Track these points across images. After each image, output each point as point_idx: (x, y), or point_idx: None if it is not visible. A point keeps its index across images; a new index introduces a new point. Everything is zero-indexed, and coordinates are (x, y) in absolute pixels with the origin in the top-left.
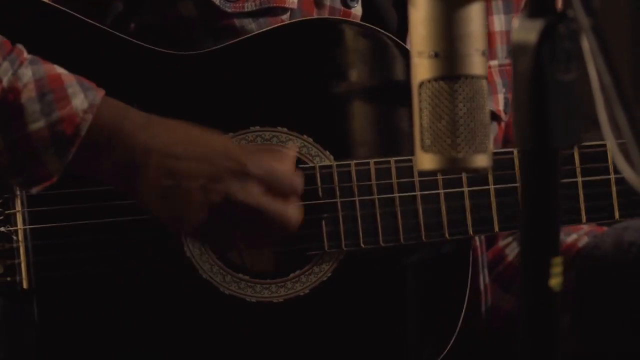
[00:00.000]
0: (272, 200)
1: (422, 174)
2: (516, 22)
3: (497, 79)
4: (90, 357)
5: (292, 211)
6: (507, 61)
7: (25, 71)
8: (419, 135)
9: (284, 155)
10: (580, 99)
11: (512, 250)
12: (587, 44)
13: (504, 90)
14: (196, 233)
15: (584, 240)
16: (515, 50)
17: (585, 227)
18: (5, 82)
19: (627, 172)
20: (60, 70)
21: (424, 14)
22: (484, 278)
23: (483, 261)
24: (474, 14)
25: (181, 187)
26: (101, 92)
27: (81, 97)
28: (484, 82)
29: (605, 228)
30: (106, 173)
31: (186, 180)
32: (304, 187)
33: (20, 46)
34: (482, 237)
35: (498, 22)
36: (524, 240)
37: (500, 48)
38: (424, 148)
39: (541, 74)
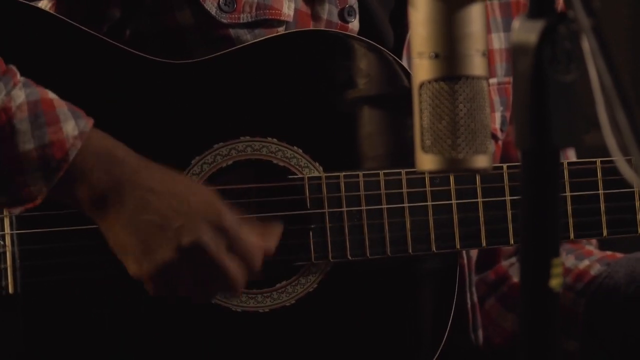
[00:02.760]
0: (232, 260)
1: (410, 186)
2: (516, 23)
3: (495, 97)
4: None
5: (242, 275)
6: (507, 79)
7: (19, 93)
8: (419, 135)
9: (267, 234)
10: (580, 99)
11: (515, 271)
12: (587, 45)
13: (501, 108)
14: (154, 272)
15: (597, 267)
16: (516, 51)
17: (597, 253)
18: None
19: (628, 173)
20: (52, 95)
21: (424, 15)
22: (470, 297)
23: (470, 280)
24: (474, 15)
25: (157, 223)
26: (91, 121)
27: (72, 124)
28: (485, 83)
29: (618, 255)
30: (84, 200)
31: (164, 218)
32: (293, 197)
33: (13, 67)
34: (472, 256)
35: (497, 40)
36: (525, 241)
37: (500, 66)
38: (424, 149)
39: (541, 75)
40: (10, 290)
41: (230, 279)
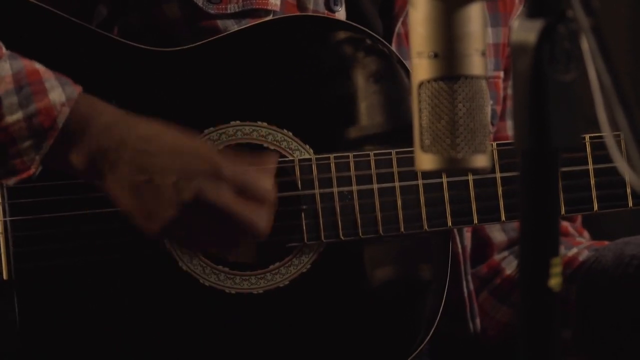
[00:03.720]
0: (243, 204)
1: (401, 165)
2: (516, 22)
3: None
4: (70, 346)
5: (260, 217)
6: (496, 73)
7: (4, 65)
8: (419, 135)
9: (262, 164)
10: (579, 99)
11: (508, 264)
12: (586, 45)
13: (491, 102)
14: (165, 230)
15: (585, 254)
16: (515, 51)
17: (585, 241)
18: None
19: (627, 173)
20: (38, 66)
21: (424, 14)
22: (467, 285)
23: (466, 269)
24: (473, 14)
25: (153, 183)
26: (79, 88)
27: (59, 91)
28: (484, 83)
29: (605, 242)
30: (80, 166)
31: (158, 176)
32: (284, 179)
33: None
34: (466, 245)
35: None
36: (524, 240)
37: (489, 60)
38: (424, 148)
39: (541, 74)
40: (5, 276)
41: (247, 222)
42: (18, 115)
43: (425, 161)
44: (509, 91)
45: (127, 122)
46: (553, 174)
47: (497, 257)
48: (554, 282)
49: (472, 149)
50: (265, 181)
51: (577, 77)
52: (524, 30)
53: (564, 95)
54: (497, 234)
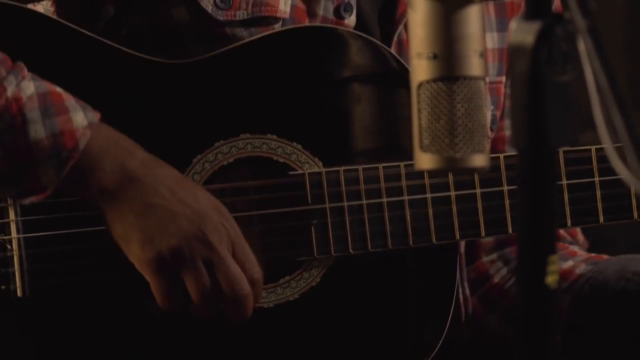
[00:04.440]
0: (236, 264)
1: (410, 179)
2: (513, 24)
3: (487, 96)
4: None
5: (244, 282)
6: (498, 79)
7: (28, 84)
8: (418, 135)
9: None
10: (576, 100)
11: (496, 271)
12: (583, 46)
13: (492, 107)
14: (157, 261)
15: (582, 267)
16: (513, 52)
17: (582, 254)
18: (9, 92)
19: (623, 173)
20: (59, 89)
21: (423, 16)
22: (463, 290)
23: (462, 274)
24: (472, 16)
25: (165, 208)
26: (98, 114)
27: (81, 115)
28: (482, 83)
29: (604, 256)
30: (95, 189)
31: (172, 204)
32: (294, 193)
33: (20, 63)
34: (462, 252)
35: (490, 40)
36: (522, 238)
37: (492, 65)
38: (423, 148)
39: (538, 76)
40: (19, 293)
41: (234, 278)
42: (42, 134)
43: (425, 160)
44: (508, 90)
45: (145, 154)
46: (550, 173)
47: (485, 259)
48: (552, 279)
49: (470, 149)
50: (255, 265)
51: (574, 78)
52: (522, 31)
53: (561, 95)
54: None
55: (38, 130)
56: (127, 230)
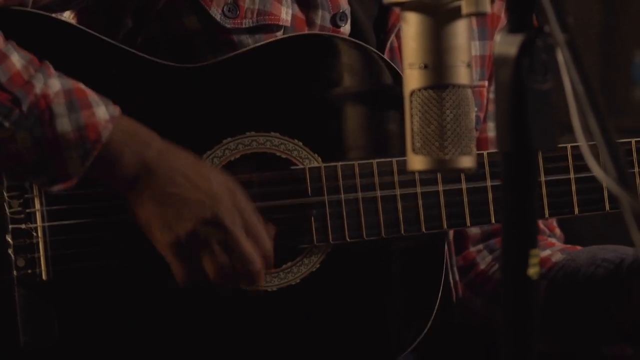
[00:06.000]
0: (249, 242)
1: (401, 173)
2: (498, 36)
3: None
4: (104, 340)
5: (257, 260)
6: (481, 83)
7: (55, 81)
8: (410, 138)
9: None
10: (555, 106)
11: (482, 259)
12: (561, 57)
13: (476, 109)
14: (175, 244)
15: (558, 255)
16: (497, 62)
17: (559, 245)
18: (37, 89)
19: (598, 173)
20: (83, 85)
21: (415, 29)
22: (452, 275)
23: (452, 262)
24: (460, 29)
25: (182, 196)
26: (118, 108)
27: (103, 109)
28: (469, 91)
29: (577, 247)
30: (118, 178)
31: (187, 191)
32: (295, 186)
33: (47, 62)
34: (451, 240)
35: (473, 48)
36: (506, 233)
37: (475, 71)
38: (415, 150)
39: (520, 84)
40: (44, 277)
41: (247, 257)
42: (68, 127)
43: (416, 162)
44: (492, 96)
45: (163, 143)
46: (532, 173)
47: (472, 249)
48: (533, 271)
49: (458, 151)
50: (267, 240)
51: (553, 86)
52: (506, 43)
53: (542, 102)
54: (472, 228)
55: (65, 124)
56: (147, 217)
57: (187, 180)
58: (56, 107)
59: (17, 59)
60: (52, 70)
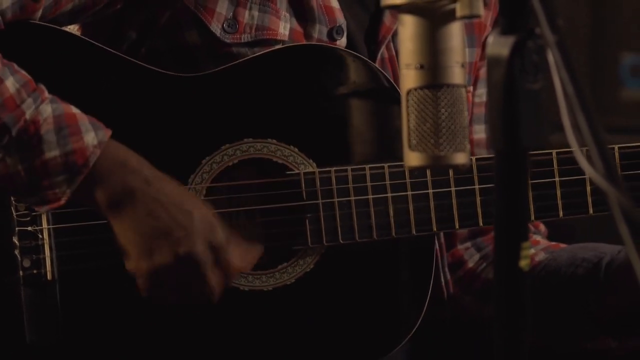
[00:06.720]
0: (215, 275)
1: (392, 178)
2: (490, 38)
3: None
4: (107, 338)
5: (217, 290)
6: (467, 88)
7: (46, 107)
8: (407, 136)
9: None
10: (546, 106)
11: (470, 256)
12: (552, 58)
13: None
14: (150, 273)
15: (541, 255)
16: (490, 63)
17: (543, 243)
18: (28, 115)
19: (589, 171)
20: (75, 110)
21: (411, 31)
22: (444, 275)
23: (443, 262)
24: (454, 31)
25: (161, 230)
26: (109, 132)
27: (92, 135)
28: (463, 91)
29: (561, 245)
30: (102, 202)
31: (167, 227)
32: (291, 191)
33: (42, 86)
34: (443, 242)
35: None
36: (498, 227)
37: None
38: (411, 147)
39: (512, 84)
40: (49, 277)
41: (208, 290)
42: (56, 152)
43: (413, 158)
44: (477, 100)
45: (151, 172)
46: (523, 170)
47: (460, 247)
48: (524, 263)
49: (453, 148)
50: (236, 260)
51: (544, 86)
52: (498, 45)
53: (533, 102)
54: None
55: (52, 149)
56: (125, 242)
57: (168, 214)
58: (45, 133)
59: (11, 82)
60: (45, 94)
